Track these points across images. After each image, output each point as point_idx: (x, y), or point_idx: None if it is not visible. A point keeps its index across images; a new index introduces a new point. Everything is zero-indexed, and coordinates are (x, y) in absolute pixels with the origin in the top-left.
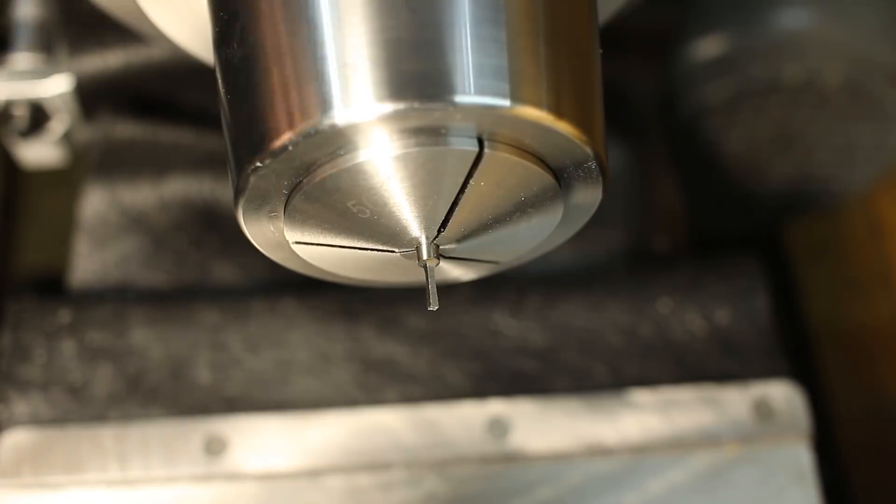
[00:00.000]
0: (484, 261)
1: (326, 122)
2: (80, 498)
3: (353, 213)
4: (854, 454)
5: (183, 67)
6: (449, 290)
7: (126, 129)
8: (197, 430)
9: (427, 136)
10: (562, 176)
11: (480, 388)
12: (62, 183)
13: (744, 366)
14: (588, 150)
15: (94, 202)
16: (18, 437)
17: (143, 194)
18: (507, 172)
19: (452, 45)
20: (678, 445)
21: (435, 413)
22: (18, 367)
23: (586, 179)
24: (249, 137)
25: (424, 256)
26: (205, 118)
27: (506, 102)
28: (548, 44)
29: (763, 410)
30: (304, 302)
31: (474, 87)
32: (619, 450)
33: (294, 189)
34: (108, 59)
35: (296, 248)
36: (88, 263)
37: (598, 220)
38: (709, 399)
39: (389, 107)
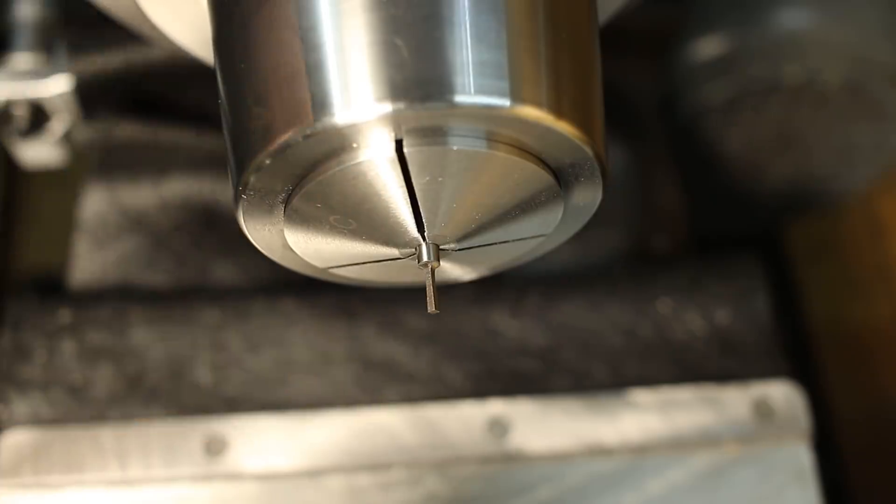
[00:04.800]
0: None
1: (326, 121)
2: (80, 498)
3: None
4: (854, 454)
5: (183, 67)
6: (449, 290)
7: (126, 129)
8: (197, 430)
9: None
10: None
11: (480, 388)
12: (62, 183)
13: (744, 366)
14: (588, 150)
15: (94, 202)
16: (18, 437)
17: (143, 194)
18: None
19: (453, 44)
20: (678, 445)
21: (435, 413)
22: (18, 367)
23: (586, 179)
24: (249, 137)
25: (425, 258)
26: (205, 118)
27: (506, 102)
28: (548, 44)
29: (763, 410)
30: (304, 302)
31: (474, 87)
32: (619, 450)
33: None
34: (108, 59)
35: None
36: (88, 263)
37: (598, 220)
38: (709, 399)
39: (389, 106)
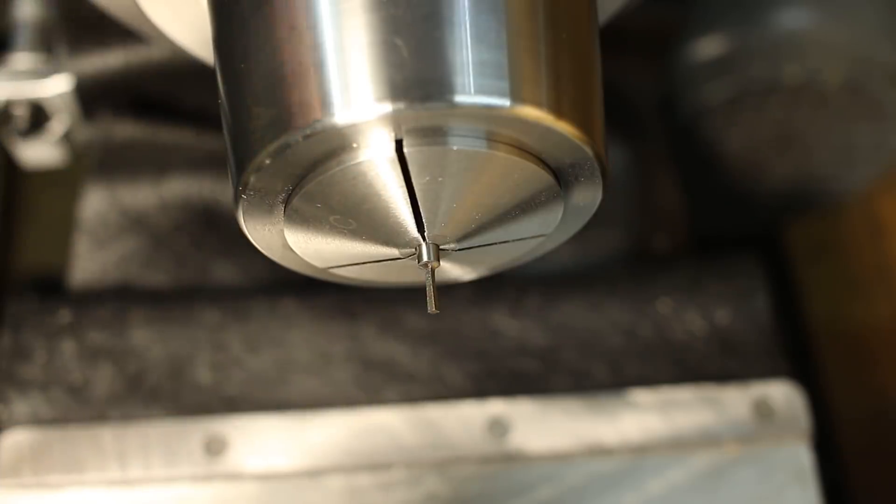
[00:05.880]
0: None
1: (326, 121)
2: (80, 498)
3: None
4: (854, 454)
5: (183, 67)
6: (449, 290)
7: (126, 129)
8: (197, 430)
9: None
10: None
11: (480, 388)
12: (62, 183)
13: (744, 366)
14: (588, 150)
15: (94, 202)
16: (18, 437)
17: (143, 194)
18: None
19: (453, 44)
20: (678, 445)
21: (435, 413)
22: (18, 367)
23: (586, 179)
24: (249, 137)
25: (425, 258)
26: (205, 118)
27: (506, 102)
28: (548, 44)
29: (763, 410)
30: (304, 302)
31: (474, 87)
32: (619, 450)
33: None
34: (108, 59)
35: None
36: (88, 263)
37: (598, 220)
38: (709, 399)
39: (389, 106)
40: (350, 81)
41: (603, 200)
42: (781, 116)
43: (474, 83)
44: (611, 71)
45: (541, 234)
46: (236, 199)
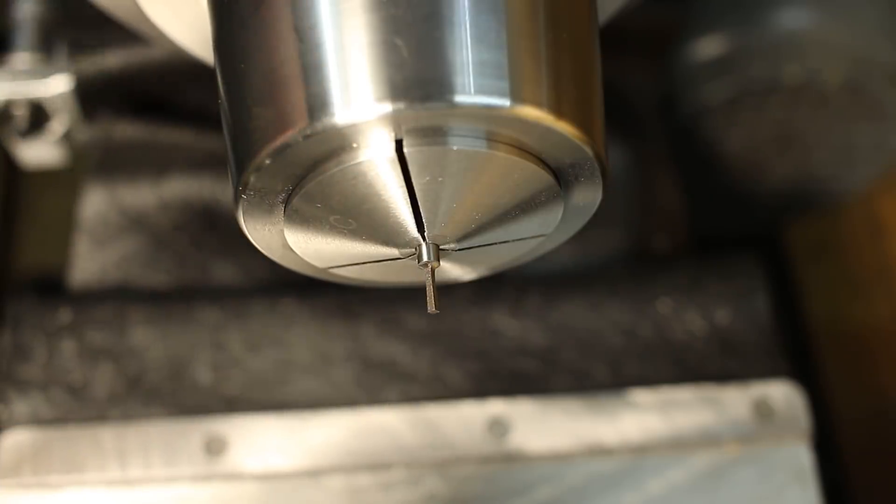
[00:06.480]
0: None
1: (326, 121)
2: (80, 498)
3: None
4: (854, 454)
5: (183, 67)
6: (449, 290)
7: (126, 129)
8: (197, 430)
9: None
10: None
11: (480, 388)
12: (62, 183)
13: (744, 366)
14: (588, 150)
15: (94, 202)
16: (18, 437)
17: (143, 194)
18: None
19: (453, 44)
20: (678, 445)
21: (435, 413)
22: (18, 367)
23: (586, 179)
24: (249, 137)
25: (425, 258)
26: (205, 118)
27: (506, 102)
28: (548, 44)
29: (763, 410)
30: (304, 302)
31: (474, 87)
32: (619, 450)
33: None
34: (108, 59)
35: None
36: (88, 263)
37: (598, 220)
38: (709, 399)
39: (389, 106)
40: (350, 81)
41: (603, 200)
42: (781, 116)
43: (474, 83)
44: (611, 71)
45: (541, 234)
46: (236, 199)
